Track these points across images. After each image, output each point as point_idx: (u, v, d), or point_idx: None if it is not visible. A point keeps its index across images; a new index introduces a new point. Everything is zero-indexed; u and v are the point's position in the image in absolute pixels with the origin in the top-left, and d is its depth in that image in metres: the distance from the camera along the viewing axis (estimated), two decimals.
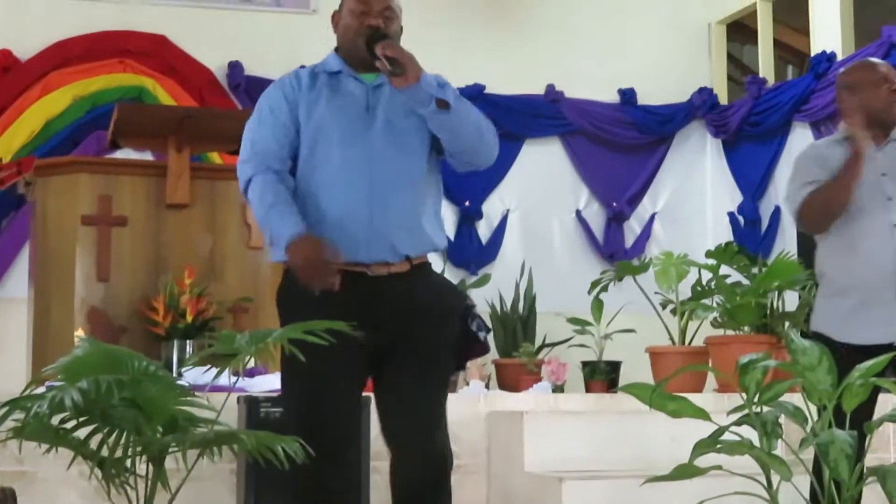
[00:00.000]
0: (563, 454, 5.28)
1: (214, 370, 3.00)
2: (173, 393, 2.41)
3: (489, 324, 7.16)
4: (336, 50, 3.51)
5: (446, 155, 3.46)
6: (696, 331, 6.89)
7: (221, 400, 2.79)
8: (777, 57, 8.99)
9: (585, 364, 7.23)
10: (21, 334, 6.33)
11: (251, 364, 5.50)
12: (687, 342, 6.90)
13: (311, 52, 7.99)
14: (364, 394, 3.58)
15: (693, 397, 5.59)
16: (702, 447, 2.82)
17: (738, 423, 2.88)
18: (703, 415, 2.89)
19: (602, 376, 7.12)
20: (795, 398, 3.00)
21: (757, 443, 2.85)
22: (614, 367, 7.25)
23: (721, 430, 2.85)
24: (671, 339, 6.96)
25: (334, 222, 3.28)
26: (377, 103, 3.40)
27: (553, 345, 7.54)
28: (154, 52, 7.92)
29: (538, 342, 7.57)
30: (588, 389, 7.16)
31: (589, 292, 7.29)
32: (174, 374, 5.51)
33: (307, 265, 3.11)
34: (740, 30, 9.24)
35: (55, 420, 2.30)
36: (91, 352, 2.39)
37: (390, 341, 3.28)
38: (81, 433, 2.40)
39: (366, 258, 3.28)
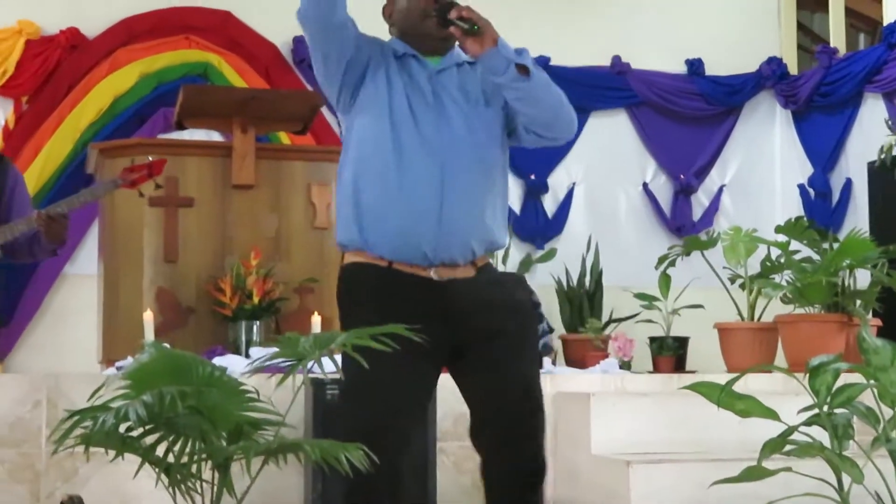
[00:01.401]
0: (630, 436, 5.25)
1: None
2: (237, 399, 2.42)
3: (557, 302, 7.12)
4: (399, 37, 3.46)
5: (522, 130, 3.38)
6: (766, 306, 6.82)
7: (287, 396, 2.79)
8: (848, 25, 8.82)
9: (653, 340, 7.18)
10: (90, 310, 6.40)
11: None
12: (756, 318, 6.83)
13: (375, 23, 8.04)
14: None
15: (762, 379, 5.60)
16: (771, 448, 2.77)
17: (807, 423, 2.83)
18: (772, 415, 2.84)
19: (670, 352, 7.08)
20: (867, 397, 2.94)
21: (827, 443, 2.80)
22: (682, 342, 7.19)
23: (790, 429, 2.81)
24: (740, 314, 6.89)
25: (401, 212, 3.21)
26: (442, 88, 3.35)
27: (620, 320, 7.50)
28: (219, 27, 7.92)
29: (605, 317, 7.53)
30: (655, 366, 7.13)
31: (656, 267, 7.23)
32: (243, 355, 5.57)
33: None
34: None
35: (122, 427, 2.32)
36: (156, 358, 2.40)
37: (466, 338, 3.21)
38: (148, 439, 2.41)
39: (431, 254, 3.21)
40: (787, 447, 2.79)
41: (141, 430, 2.35)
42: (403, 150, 3.23)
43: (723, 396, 2.83)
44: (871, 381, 2.77)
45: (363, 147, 3.28)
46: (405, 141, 3.24)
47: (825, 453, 2.71)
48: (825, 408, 2.78)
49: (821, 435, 2.86)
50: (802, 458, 2.76)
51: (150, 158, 4.63)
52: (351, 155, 3.31)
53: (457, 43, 3.37)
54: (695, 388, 2.94)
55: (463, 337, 3.21)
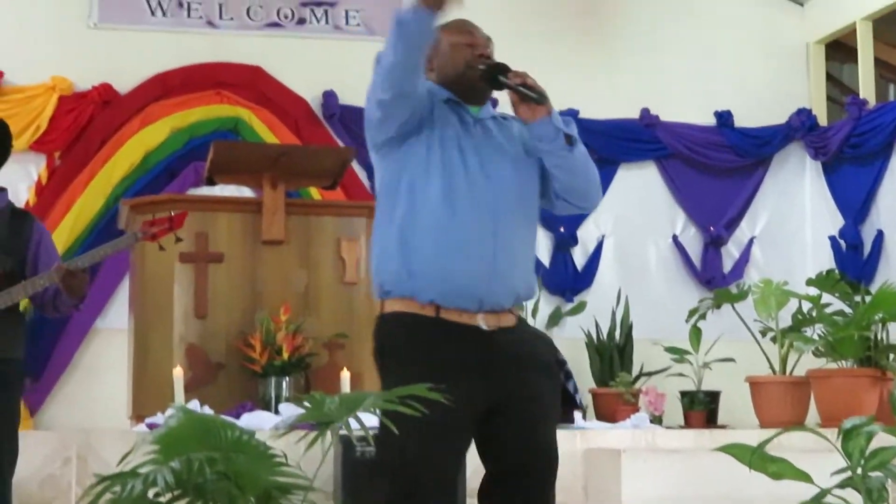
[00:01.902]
0: (662, 493, 5.21)
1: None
2: (266, 463, 2.41)
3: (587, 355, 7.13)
4: (438, 83, 3.43)
5: (553, 195, 3.44)
6: (798, 359, 6.77)
7: (316, 456, 2.78)
8: (878, 76, 8.79)
9: (684, 394, 7.15)
10: (120, 364, 6.41)
11: None
12: (788, 371, 6.79)
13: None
14: None
15: (794, 435, 5.55)
16: None
17: (841, 485, 2.80)
18: (805, 478, 2.82)
19: (701, 406, 7.04)
20: None
21: None
22: (713, 397, 7.16)
23: (824, 492, 2.78)
24: (771, 367, 6.85)
25: (458, 258, 3.22)
26: (488, 136, 3.38)
27: (650, 374, 7.46)
28: (249, 83, 7.99)
29: (635, 371, 7.50)
30: (687, 420, 7.09)
31: (687, 320, 7.21)
32: (272, 411, 5.57)
33: None
34: (839, 49, 9.04)
35: (150, 492, 2.32)
36: (184, 422, 2.40)
37: (503, 396, 3.23)
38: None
39: (484, 299, 3.23)
40: None
41: (170, 495, 2.35)
42: (457, 196, 3.26)
43: (755, 458, 2.80)
44: None
45: (415, 191, 3.28)
46: (458, 186, 3.27)
47: None
48: (859, 471, 2.75)
49: (854, 497, 2.83)
50: None
51: (172, 213, 4.65)
52: (399, 199, 3.29)
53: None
54: (726, 449, 2.92)
55: (500, 395, 3.22)
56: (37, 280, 4.35)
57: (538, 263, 8.14)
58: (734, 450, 2.90)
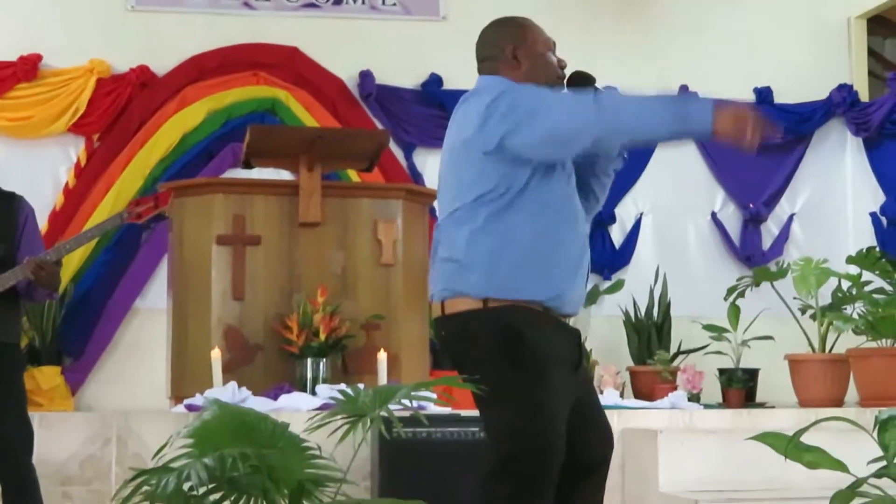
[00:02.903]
0: (699, 474, 5.22)
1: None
2: (299, 457, 2.43)
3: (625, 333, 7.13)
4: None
5: None
6: (837, 337, 6.74)
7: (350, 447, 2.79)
8: None
9: (722, 372, 7.14)
10: (160, 343, 6.47)
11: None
12: (828, 349, 6.77)
13: (442, 59, 8.11)
14: None
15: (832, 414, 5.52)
16: (840, 500, 2.73)
17: (877, 475, 2.78)
18: (841, 467, 2.80)
19: (739, 384, 7.03)
20: None
21: None
22: (752, 374, 7.14)
23: (860, 481, 2.76)
24: (811, 345, 6.82)
25: (578, 269, 3.38)
26: None
27: (688, 352, 7.45)
28: (286, 63, 7.98)
29: (673, 349, 7.48)
30: (725, 398, 7.07)
31: (725, 298, 7.19)
32: (308, 392, 5.60)
33: (745, 120, 3.10)
34: (881, 24, 8.92)
35: (186, 485, 2.34)
36: (219, 415, 2.42)
37: (580, 389, 3.40)
38: (212, 496, 2.43)
39: (577, 309, 3.45)
40: (858, 500, 2.75)
41: (204, 489, 2.37)
42: (575, 208, 3.38)
43: (790, 448, 2.79)
44: None
45: (550, 201, 3.31)
46: (574, 198, 3.38)
47: None
48: None
49: (891, 486, 2.82)
50: None
51: (158, 190, 4.76)
52: (528, 206, 3.28)
53: None
54: (761, 438, 2.91)
55: (579, 388, 3.39)
56: (5, 279, 4.42)
57: None
58: (769, 439, 2.89)
